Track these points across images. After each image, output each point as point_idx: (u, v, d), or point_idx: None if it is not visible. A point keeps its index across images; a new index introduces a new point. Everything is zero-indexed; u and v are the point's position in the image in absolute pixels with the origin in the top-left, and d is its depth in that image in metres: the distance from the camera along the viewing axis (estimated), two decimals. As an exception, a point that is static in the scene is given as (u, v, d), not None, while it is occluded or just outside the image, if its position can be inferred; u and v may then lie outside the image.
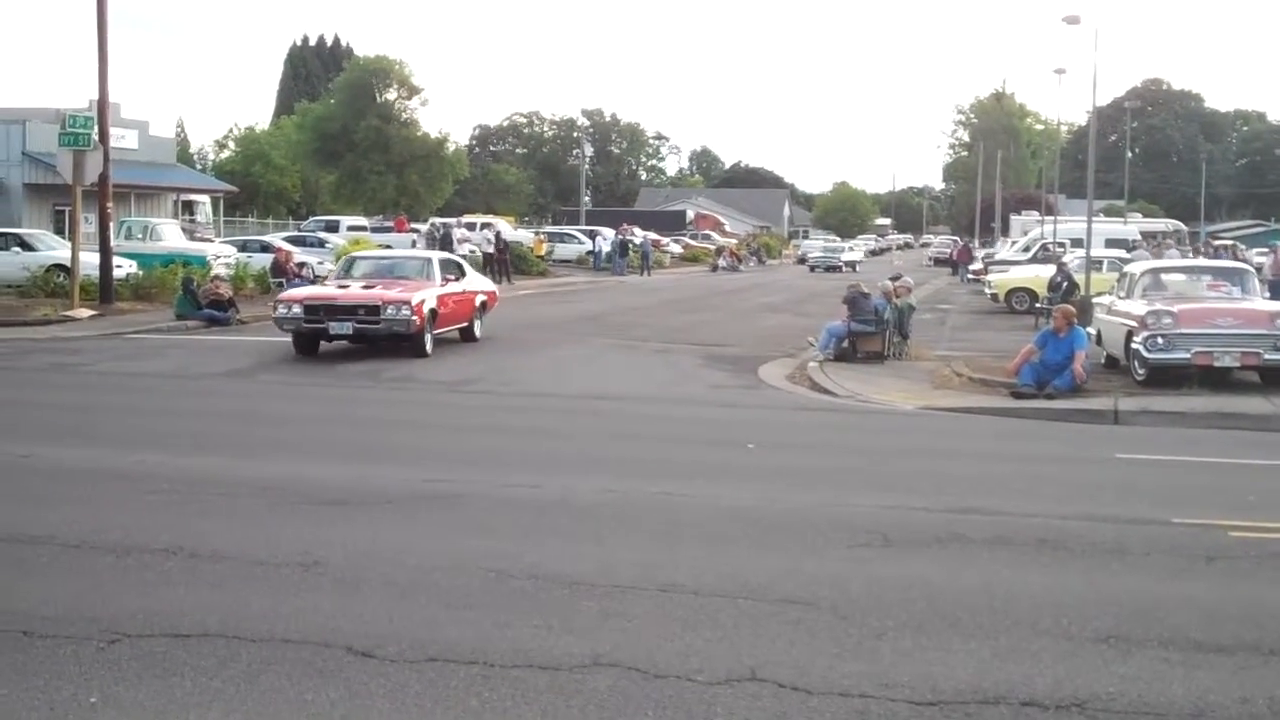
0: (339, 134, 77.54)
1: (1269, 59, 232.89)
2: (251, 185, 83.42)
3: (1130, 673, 6.75)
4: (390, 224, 61.19)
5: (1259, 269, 35.76)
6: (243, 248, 43.57)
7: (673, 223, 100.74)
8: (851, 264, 74.32)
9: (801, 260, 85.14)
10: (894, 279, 27.31)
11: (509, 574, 8.48)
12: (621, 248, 62.65)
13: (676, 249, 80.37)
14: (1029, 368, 19.49)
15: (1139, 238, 49.95)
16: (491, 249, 49.96)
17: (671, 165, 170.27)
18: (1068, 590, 8.38)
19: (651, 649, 6.97)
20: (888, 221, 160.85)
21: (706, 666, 6.69)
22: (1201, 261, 35.71)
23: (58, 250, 36.41)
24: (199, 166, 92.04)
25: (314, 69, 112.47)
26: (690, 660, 6.79)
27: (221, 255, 40.40)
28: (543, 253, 62.23)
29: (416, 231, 58.73)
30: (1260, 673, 6.81)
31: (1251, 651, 7.17)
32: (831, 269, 72.46)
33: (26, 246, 37.32)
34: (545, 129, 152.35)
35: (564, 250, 67.28)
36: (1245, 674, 6.80)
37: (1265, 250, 44.39)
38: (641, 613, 7.72)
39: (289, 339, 23.67)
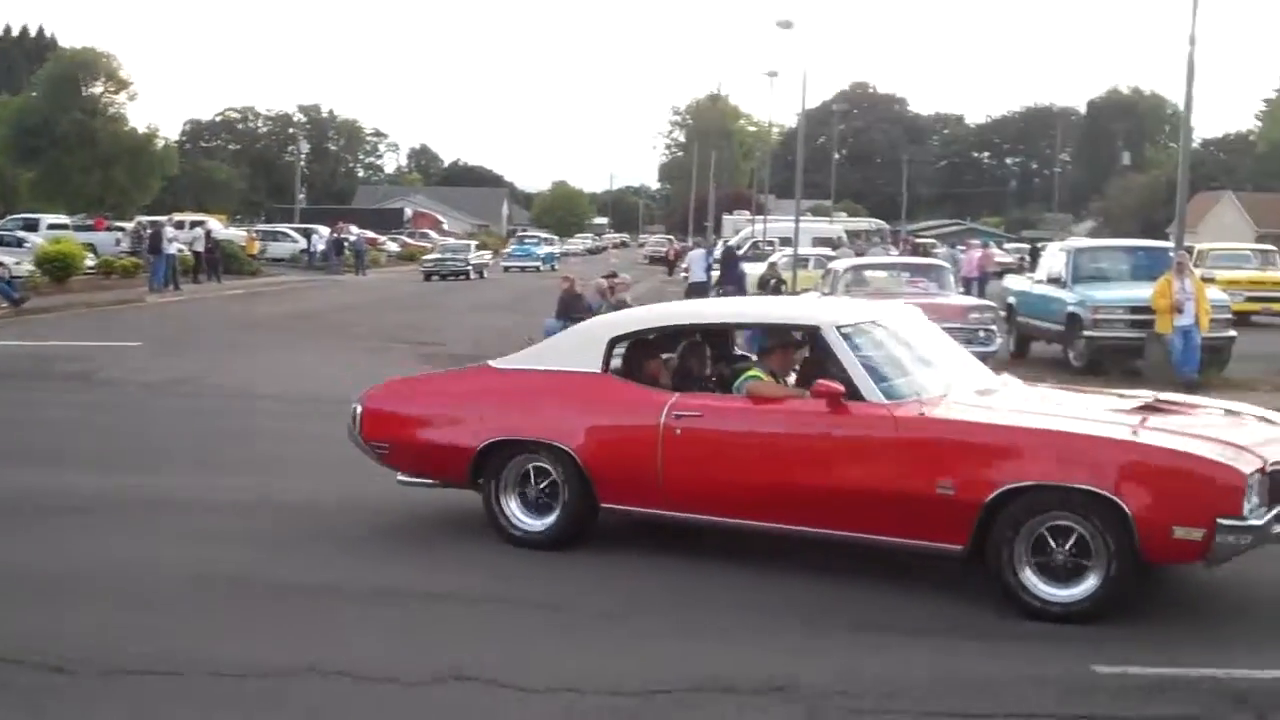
0: (40, 128, 74.08)
1: (967, 65, 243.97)
2: (-57, 182, 79.20)
3: (824, 656, 6.97)
4: (91, 223, 58.89)
5: (956, 263, 37.46)
6: (-67, 246, 41.32)
7: (390, 221, 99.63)
8: (479, 268, 61.97)
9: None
10: (609, 276, 27.53)
11: (211, 580, 8.26)
12: (337, 246, 61.67)
13: (394, 247, 79.53)
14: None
15: (844, 236, 51.65)
16: (201, 248, 48.53)
17: (390, 163, 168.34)
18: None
19: (372, 653, 6.90)
20: (605, 220, 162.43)
21: (422, 668, 6.65)
22: (900, 259, 37.16)
23: None
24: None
25: (15, 60, 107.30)
26: (405, 663, 6.73)
27: (-92, 255, 38.22)
28: (255, 251, 60.68)
29: (121, 230, 56.67)
30: (957, 653, 7.10)
31: (951, 635, 7.49)
32: (456, 275, 57.98)
33: None
34: (260, 124, 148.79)
35: (277, 249, 65.76)
36: (942, 655, 7.10)
37: (963, 247, 46.39)
38: (359, 617, 7.62)
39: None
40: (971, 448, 7.88)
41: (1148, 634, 7.49)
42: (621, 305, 26.12)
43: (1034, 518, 7.64)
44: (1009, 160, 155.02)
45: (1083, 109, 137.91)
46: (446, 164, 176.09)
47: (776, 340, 9.51)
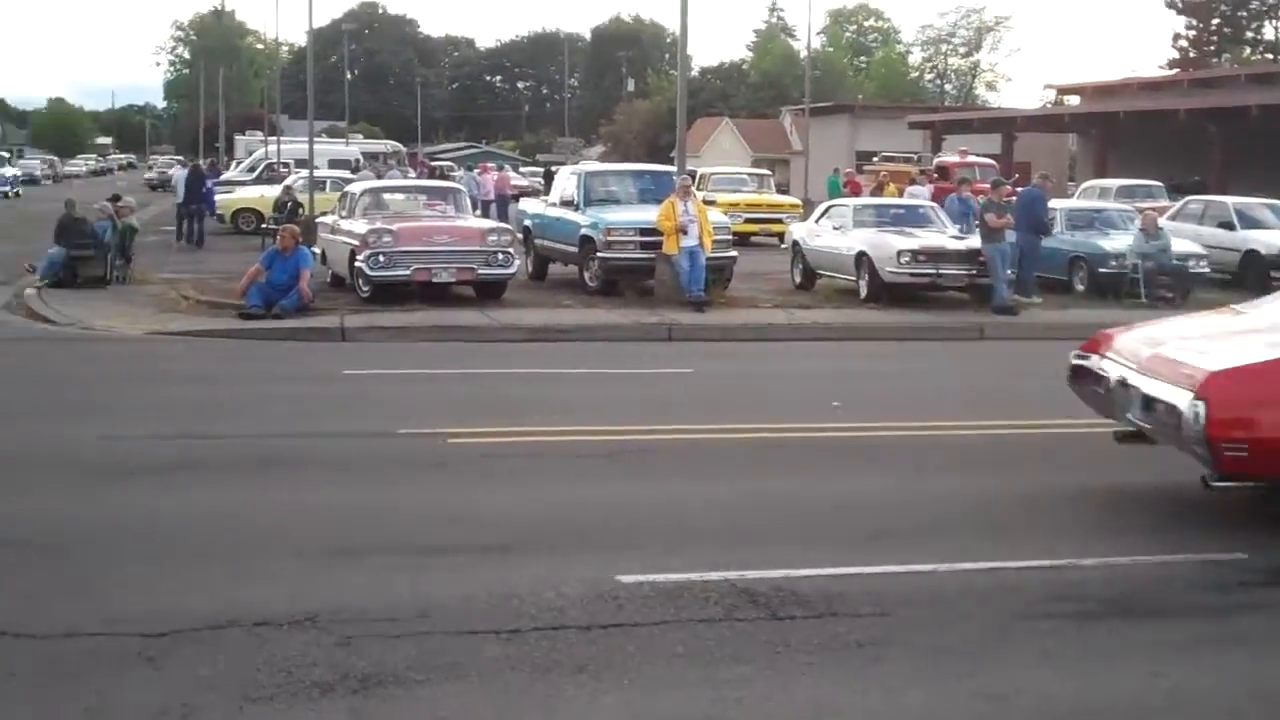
0: None
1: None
2: None
3: (360, 582, 6.98)
4: None
5: (475, 187, 37.83)
6: None
7: None
8: None
9: None
10: (114, 199, 26.25)
11: None
12: None
13: None
14: (256, 288, 19.41)
15: (361, 158, 51.09)
16: None
17: None
18: (298, 507, 8.53)
19: None
20: (109, 140, 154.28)
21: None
22: (418, 182, 37.16)
23: None
24: None
25: None
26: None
27: None
28: None
29: None
30: (478, 570, 7.25)
31: (472, 550, 7.64)
32: None
33: None
34: None
35: None
36: (465, 572, 7.22)
37: (479, 170, 46.80)
38: None
39: None
40: None
41: (667, 542, 7.88)
42: (130, 230, 25.06)
43: None
44: (520, 85, 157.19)
45: (588, 36, 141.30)
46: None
47: None
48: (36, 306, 20.42)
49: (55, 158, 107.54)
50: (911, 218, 23.29)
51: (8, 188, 63.17)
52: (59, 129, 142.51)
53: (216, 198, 40.72)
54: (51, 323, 19.14)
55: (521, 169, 73.35)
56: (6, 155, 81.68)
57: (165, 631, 6.17)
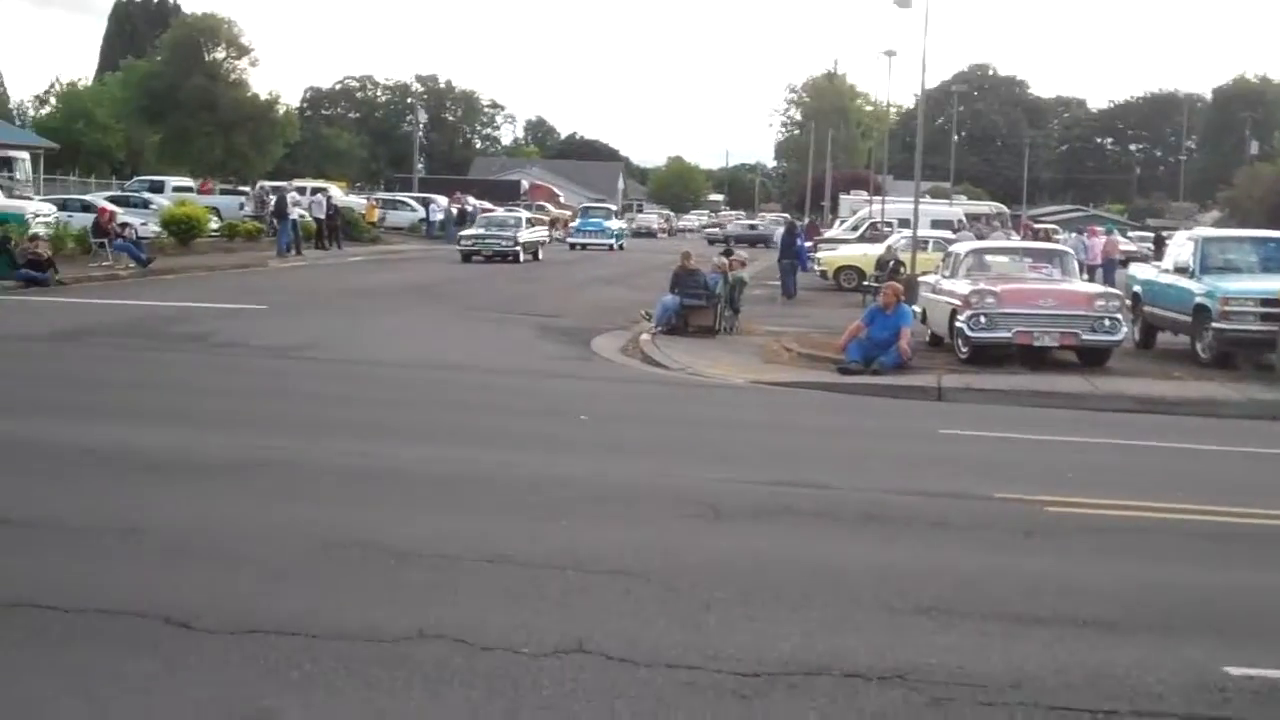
0: (164, 92, 75.32)
1: (1088, 48, 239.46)
2: (73, 143, 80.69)
3: (951, 644, 6.87)
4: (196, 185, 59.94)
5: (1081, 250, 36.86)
6: (63, 206, 42.27)
7: (507, 192, 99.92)
8: (531, 248, 49.97)
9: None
10: (726, 254, 27.49)
11: (335, 544, 8.33)
12: (459, 216, 62.07)
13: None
14: (856, 344, 19.75)
15: (964, 219, 50.99)
16: (322, 214, 49.15)
17: (506, 134, 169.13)
18: (892, 563, 8.50)
19: (479, 621, 6.89)
20: (721, 197, 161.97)
21: (533, 639, 6.62)
22: (1024, 243, 36.61)
23: None
24: (18, 122, 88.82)
25: (140, 25, 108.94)
26: (518, 632, 6.71)
27: (41, 214, 39.12)
28: (375, 219, 61.44)
29: (245, 195, 57.62)
30: (1074, 644, 6.97)
31: (1067, 624, 7.34)
32: (500, 256, 47.07)
33: None
34: (379, 94, 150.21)
35: (396, 217, 66.48)
36: (1061, 645, 6.95)
37: (1087, 233, 45.61)
38: (469, 584, 7.65)
39: (107, 301, 23.03)
40: None
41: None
42: (740, 283, 26.15)
43: None
44: (1132, 147, 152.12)
45: (1209, 96, 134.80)
46: (563, 137, 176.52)
47: None
48: (650, 351, 21.63)
49: (670, 211, 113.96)
50: None
51: (613, 240, 65.33)
52: (675, 185, 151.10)
53: (820, 254, 41.85)
54: (663, 367, 20.19)
55: (1130, 233, 70.88)
56: (612, 208, 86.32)
57: (759, 672, 6.30)
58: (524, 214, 57.72)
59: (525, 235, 49.54)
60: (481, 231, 49.49)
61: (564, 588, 7.62)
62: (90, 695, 5.78)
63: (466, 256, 47.16)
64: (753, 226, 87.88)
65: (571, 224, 71.28)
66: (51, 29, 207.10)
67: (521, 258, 47.55)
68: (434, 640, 6.56)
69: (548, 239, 56.56)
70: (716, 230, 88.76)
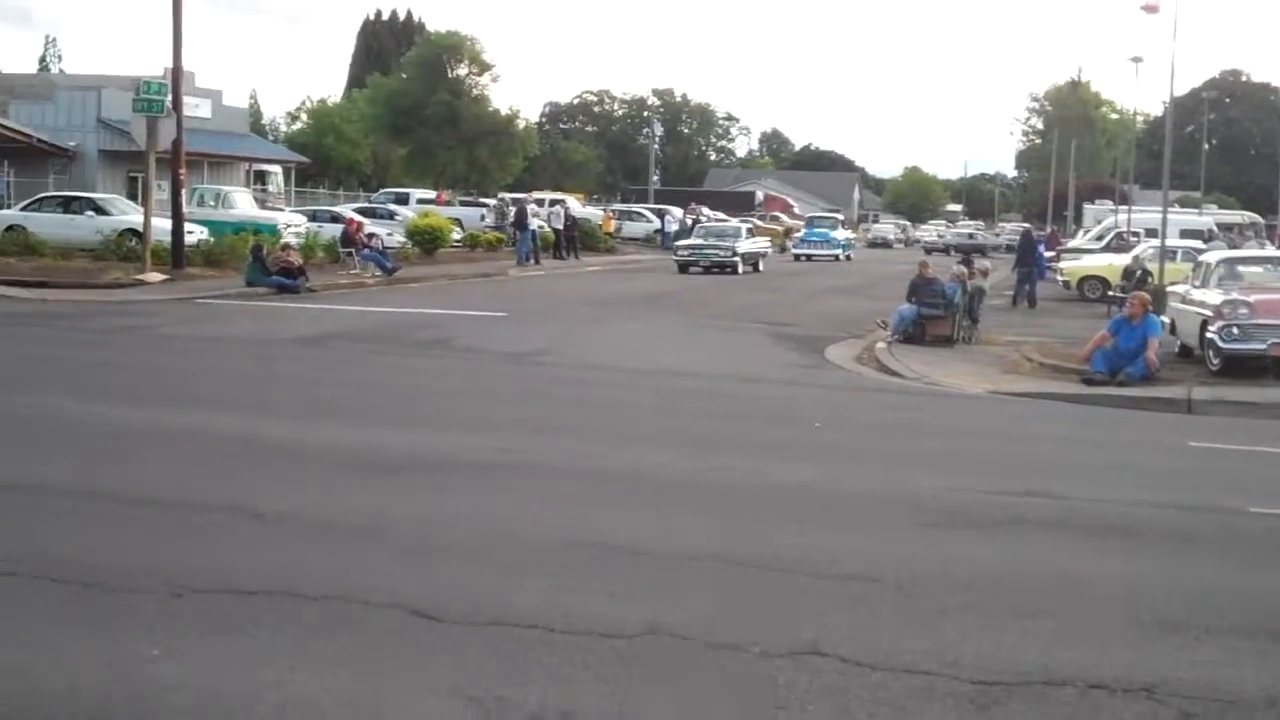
0: (410, 108, 77.74)
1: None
2: (323, 157, 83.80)
3: (1201, 660, 6.60)
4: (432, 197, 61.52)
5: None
6: (313, 217, 43.99)
7: (742, 204, 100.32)
8: (752, 259, 48.13)
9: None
10: (966, 263, 27.08)
11: (573, 542, 8.44)
12: (690, 227, 62.44)
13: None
14: (1101, 354, 19.24)
15: (1215, 229, 49.24)
16: (560, 225, 49.99)
17: (741, 146, 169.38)
18: (1137, 576, 8.23)
19: (712, 620, 6.90)
20: (959, 208, 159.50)
21: (767, 639, 6.59)
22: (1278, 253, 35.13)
23: (131, 215, 36.79)
24: (271, 137, 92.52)
25: (386, 44, 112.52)
26: (751, 632, 6.69)
27: (292, 224, 40.75)
28: (611, 230, 62.22)
29: (485, 206, 59.06)
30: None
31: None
32: (718, 267, 46.02)
33: (100, 211, 37.86)
34: (615, 108, 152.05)
35: (632, 228, 67.24)
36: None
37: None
38: (704, 583, 7.66)
39: (353, 307, 23.81)
40: None
41: None
42: (979, 292, 25.71)
43: None
44: None
45: None
46: (798, 148, 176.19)
47: None
48: (886, 360, 21.41)
49: (907, 222, 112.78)
50: None
51: (839, 250, 64.33)
52: (912, 195, 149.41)
53: (1062, 264, 40.94)
54: (899, 376, 19.97)
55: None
56: (839, 218, 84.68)
57: (996, 680, 6.16)
58: (739, 224, 56.36)
59: (744, 245, 47.96)
60: (699, 241, 48.27)
61: (797, 590, 7.58)
62: (331, 682, 5.96)
63: (683, 267, 46.01)
64: (970, 235, 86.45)
65: (796, 234, 70.52)
66: (303, 46, 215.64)
67: (740, 269, 46.05)
68: (666, 637, 6.59)
69: (769, 250, 54.99)
70: (936, 240, 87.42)
